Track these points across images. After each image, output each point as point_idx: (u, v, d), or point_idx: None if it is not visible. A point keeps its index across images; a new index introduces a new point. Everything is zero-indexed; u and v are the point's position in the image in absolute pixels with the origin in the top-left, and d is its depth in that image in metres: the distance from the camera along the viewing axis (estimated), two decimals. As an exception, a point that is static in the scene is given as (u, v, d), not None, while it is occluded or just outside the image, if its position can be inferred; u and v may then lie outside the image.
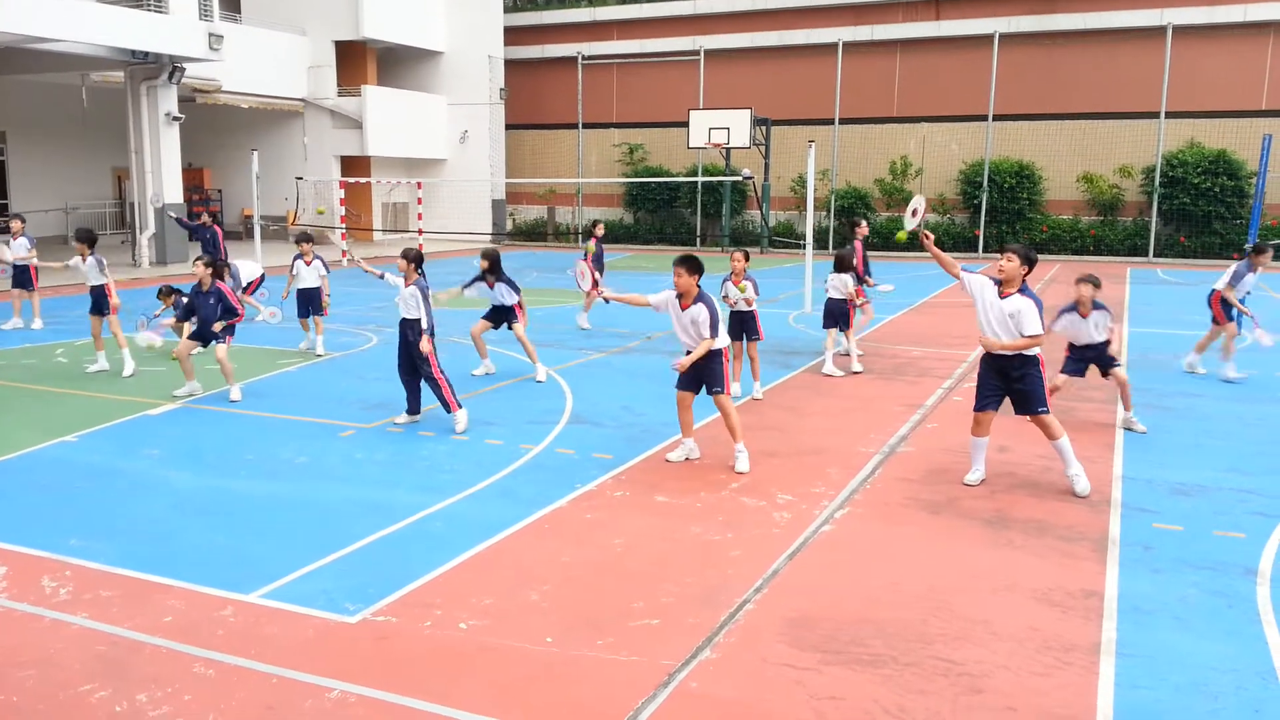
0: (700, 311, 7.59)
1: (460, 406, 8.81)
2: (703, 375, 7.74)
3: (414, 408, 9.08)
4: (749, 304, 10.10)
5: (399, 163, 34.48)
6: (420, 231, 26.51)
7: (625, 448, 8.30)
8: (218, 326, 9.84)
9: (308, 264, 12.67)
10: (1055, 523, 6.56)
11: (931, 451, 8.29)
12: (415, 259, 8.90)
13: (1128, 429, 8.97)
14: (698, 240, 33.39)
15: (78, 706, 4.25)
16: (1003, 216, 29.96)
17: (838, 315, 11.50)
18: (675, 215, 34.77)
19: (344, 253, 17.13)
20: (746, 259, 10.33)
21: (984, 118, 30.29)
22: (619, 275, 20.98)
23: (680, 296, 7.70)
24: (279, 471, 7.63)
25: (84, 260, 11.37)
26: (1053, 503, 6.97)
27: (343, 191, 28.90)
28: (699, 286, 7.68)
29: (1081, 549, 6.10)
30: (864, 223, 13.60)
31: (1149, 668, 4.63)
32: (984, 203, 29.86)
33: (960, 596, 5.40)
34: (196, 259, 10.04)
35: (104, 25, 20.79)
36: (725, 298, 10.11)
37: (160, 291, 11.25)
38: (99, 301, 11.41)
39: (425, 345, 8.66)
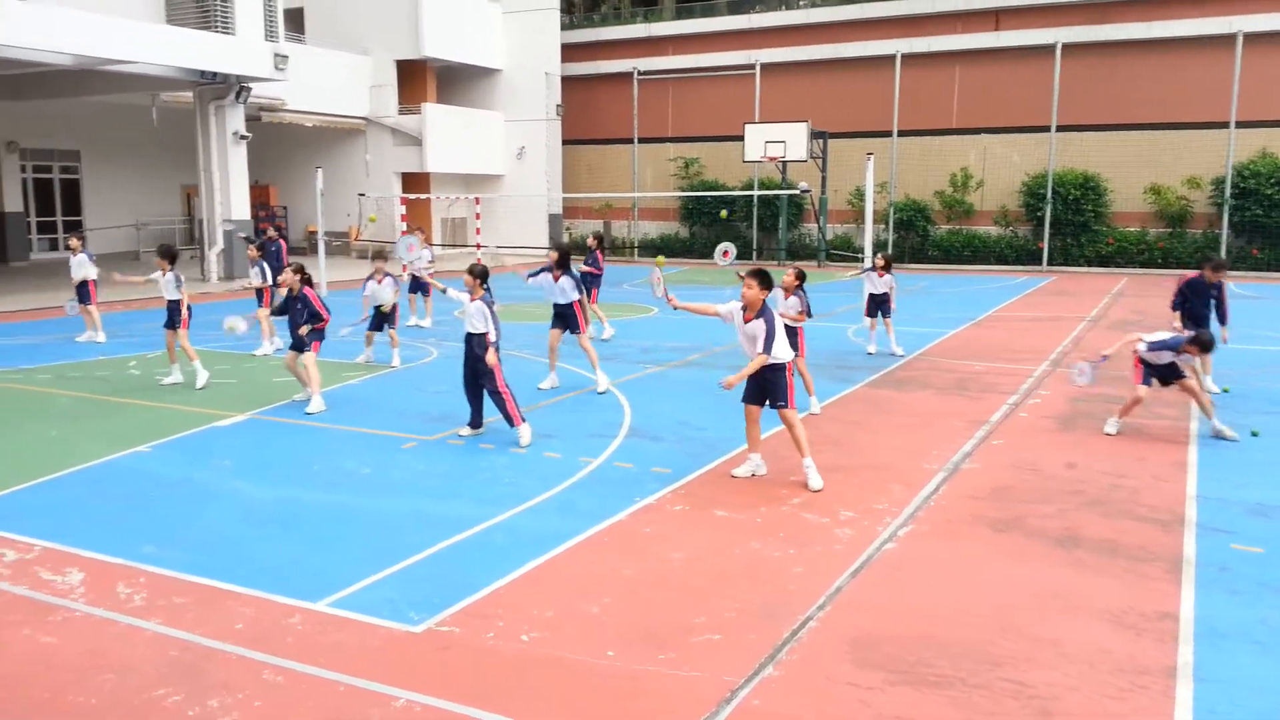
0: (759, 326, 7.55)
1: (523, 421, 8.88)
2: (766, 389, 7.69)
3: (477, 421, 9.16)
4: (798, 319, 10.02)
5: (458, 179, 34.94)
6: (479, 246, 26.81)
7: (684, 461, 8.28)
8: (303, 330, 10.13)
9: (379, 283, 12.90)
10: (1127, 542, 6.40)
11: (997, 469, 8.14)
12: (480, 274, 9.00)
13: (1218, 437, 8.95)
14: (754, 254, 33.28)
15: (153, 710, 4.36)
16: (1067, 229, 29.37)
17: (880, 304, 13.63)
18: (731, 229, 34.69)
19: (404, 266, 17.53)
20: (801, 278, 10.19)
21: (1046, 129, 29.75)
22: (674, 289, 21.00)
23: (745, 309, 7.66)
24: (344, 482, 7.76)
25: (163, 275, 11.68)
26: (1123, 521, 6.80)
27: (404, 208, 29.34)
28: (765, 302, 7.64)
29: (1155, 569, 5.94)
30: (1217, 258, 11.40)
31: (1228, 693, 4.49)
32: (1048, 215, 29.34)
33: (1028, 617, 5.29)
34: (285, 267, 10.54)
35: (174, 47, 21.43)
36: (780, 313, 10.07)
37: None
38: (173, 315, 11.66)
39: (491, 358, 8.72)
